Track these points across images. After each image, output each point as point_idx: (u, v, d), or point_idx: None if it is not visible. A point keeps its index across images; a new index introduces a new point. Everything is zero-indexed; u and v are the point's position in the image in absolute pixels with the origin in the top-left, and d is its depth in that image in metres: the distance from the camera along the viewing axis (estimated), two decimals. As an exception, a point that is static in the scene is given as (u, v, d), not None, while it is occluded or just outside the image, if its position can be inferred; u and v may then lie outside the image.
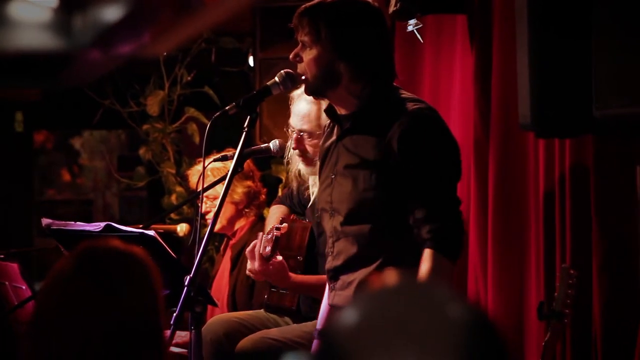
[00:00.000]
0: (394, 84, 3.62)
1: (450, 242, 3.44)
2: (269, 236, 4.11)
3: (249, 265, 4.25)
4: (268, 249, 4.08)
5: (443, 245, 3.42)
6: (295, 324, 4.39)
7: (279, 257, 4.14)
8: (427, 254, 3.41)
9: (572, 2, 3.22)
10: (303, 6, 3.57)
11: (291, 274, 4.22)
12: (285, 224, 4.19)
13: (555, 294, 3.44)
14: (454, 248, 3.45)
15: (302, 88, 3.92)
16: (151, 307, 2.08)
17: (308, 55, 3.54)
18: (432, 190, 3.45)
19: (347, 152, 3.56)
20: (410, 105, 3.49)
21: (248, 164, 5.18)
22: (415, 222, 3.44)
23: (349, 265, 3.57)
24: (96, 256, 2.09)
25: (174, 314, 3.33)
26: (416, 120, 3.45)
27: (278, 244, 4.09)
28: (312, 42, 3.52)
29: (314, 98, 3.76)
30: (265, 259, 4.10)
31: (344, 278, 3.59)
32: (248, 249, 4.21)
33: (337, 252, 3.61)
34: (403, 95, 3.55)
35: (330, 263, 3.65)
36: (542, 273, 3.86)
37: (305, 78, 3.56)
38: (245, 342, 4.20)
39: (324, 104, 3.91)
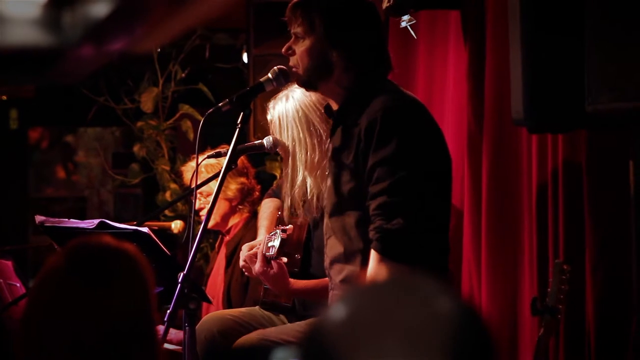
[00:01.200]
0: (389, 79, 3.62)
1: (396, 244, 3.31)
2: (274, 238, 4.10)
3: (241, 261, 4.23)
4: (273, 251, 4.06)
5: (387, 247, 3.31)
6: (290, 324, 4.38)
7: (284, 259, 4.10)
8: (371, 256, 3.35)
9: (565, -2, 3.22)
10: None
11: (290, 280, 4.16)
12: (290, 226, 4.18)
13: (549, 289, 3.44)
14: (400, 250, 3.32)
15: (278, 103, 3.98)
16: (143, 304, 2.08)
17: (301, 46, 3.54)
18: (387, 185, 3.34)
19: (333, 147, 3.57)
20: (387, 97, 3.44)
21: (242, 160, 5.19)
22: (369, 218, 3.38)
23: (335, 263, 3.56)
24: (87, 253, 2.09)
25: (168, 311, 3.33)
26: (383, 111, 3.38)
27: (284, 246, 4.07)
28: (306, 33, 3.52)
29: (306, 90, 3.75)
30: (268, 261, 4.07)
31: (334, 277, 3.58)
32: (245, 254, 4.17)
33: (328, 250, 3.61)
34: (390, 88, 3.54)
35: (325, 262, 3.66)
36: (535, 268, 3.86)
37: (296, 71, 3.57)
38: (242, 341, 4.18)
39: (286, 131, 3.96)
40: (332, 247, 3.57)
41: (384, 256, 3.31)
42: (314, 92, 3.72)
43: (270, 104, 4.19)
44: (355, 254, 3.49)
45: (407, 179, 3.34)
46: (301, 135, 4.05)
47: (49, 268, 2.08)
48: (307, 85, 3.60)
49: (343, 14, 3.53)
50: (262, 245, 4.11)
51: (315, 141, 4.02)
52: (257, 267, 4.05)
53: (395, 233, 3.30)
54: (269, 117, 4.19)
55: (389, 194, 3.32)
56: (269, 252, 4.07)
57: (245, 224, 5.25)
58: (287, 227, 4.14)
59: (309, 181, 4.06)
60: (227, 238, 5.30)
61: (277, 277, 4.05)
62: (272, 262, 4.02)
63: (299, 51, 3.54)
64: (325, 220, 3.65)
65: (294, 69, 3.58)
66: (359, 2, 3.57)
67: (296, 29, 3.54)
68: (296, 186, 4.04)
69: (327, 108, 3.68)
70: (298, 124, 4.05)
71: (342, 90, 3.54)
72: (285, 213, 4.19)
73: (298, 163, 4.04)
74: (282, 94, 4.15)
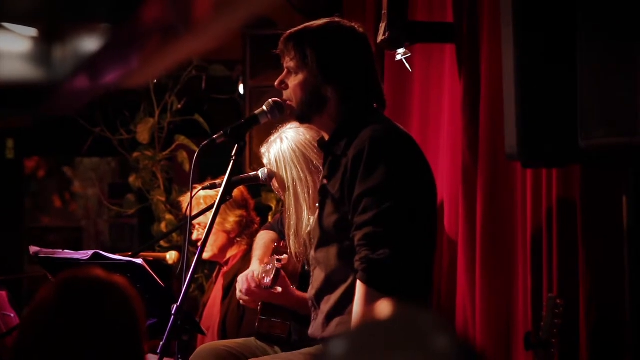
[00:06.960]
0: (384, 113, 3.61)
1: (381, 274, 3.29)
2: (269, 267, 4.10)
3: (238, 292, 4.24)
4: (267, 280, 4.06)
5: (373, 277, 3.28)
6: (285, 353, 4.37)
7: (279, 289, 4.11)
8: (358, 286, 3.32)
9: (559, 33, 3.23)
10: (288, 32, 3.56)
11: (294, 290, 4.21)
12: (285, 255, 4.18)
13: (542, 323, 3.43)
14: (385, 281, 3.29)
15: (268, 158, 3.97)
16: (132, 337, 2.08)
17: (294, 80, 3.51)
18: (373, 215, 3.31)
19: (323, 180, 3.56)
20: (376, 127, 3.41)
21: (242, 193, 5.19)
22: (355, 248, 3.36)
23: (322, 294, 3.55)
24: (77, 286, 2.09)
25: (161, 343, 3.32)
26: (371, 141, 3.35)
27: (279, 276, 4.08)
28: (299, 67, 3.50)
29: (300, 124, 3.74)
30: (264, 289, 4.11)
31: (322, 306, 3.57)
32: (241, 284, 4.19)
33: (314, 281, 3.60)
34: (380, 120, 3.51)
35: (309, 292, 3.65)
36: (529, 302, 3.85)
37: (291, 104, 3.55)
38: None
39: (284, 167, 3.98)
40: (317, 278, 3.56)
41: (369, 287, 3.29)
42: (308, 125, 3.71)
43: (264, 149, 4.17)
44: (340, 284, 3.47)
45: (393, 209, 3.32)
46: (302, 175, 4.02)
47: (39, 300, 2.08)
48: (301, 118, 3.58)
49: (336, 47, 3.50)
50: (257, 274, 4.14)
51: (317, 178, 4.00)
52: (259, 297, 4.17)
53: (380, 263, 3.28)
54: (265, 161, 4.15)
55: (375, 225, 3.30)
56: (263, 281, 4.08)
57: (243, 256, 5.24)
58: (282, 256, 4.14)
59: (312, 219, 4.07)
60: (224, 269, 5.30)
61: (280, 295, 4.15)
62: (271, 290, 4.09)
63: (292, 85, 3.51)
64: (312, 252, 3.65)
65: (287, 102, 3.56)
66: (352, 35, 3.54)
67: (289, 63, 3.52)
68: (303, 225, 3.99)
69: (321, 141, 3.66)
70: (297, 164, 4.03)
71: (334, 124, 3.52)
72: (292, 257, 4.15)
73: (302, 202, 4.01)
74: (274, 137, 4.14)
